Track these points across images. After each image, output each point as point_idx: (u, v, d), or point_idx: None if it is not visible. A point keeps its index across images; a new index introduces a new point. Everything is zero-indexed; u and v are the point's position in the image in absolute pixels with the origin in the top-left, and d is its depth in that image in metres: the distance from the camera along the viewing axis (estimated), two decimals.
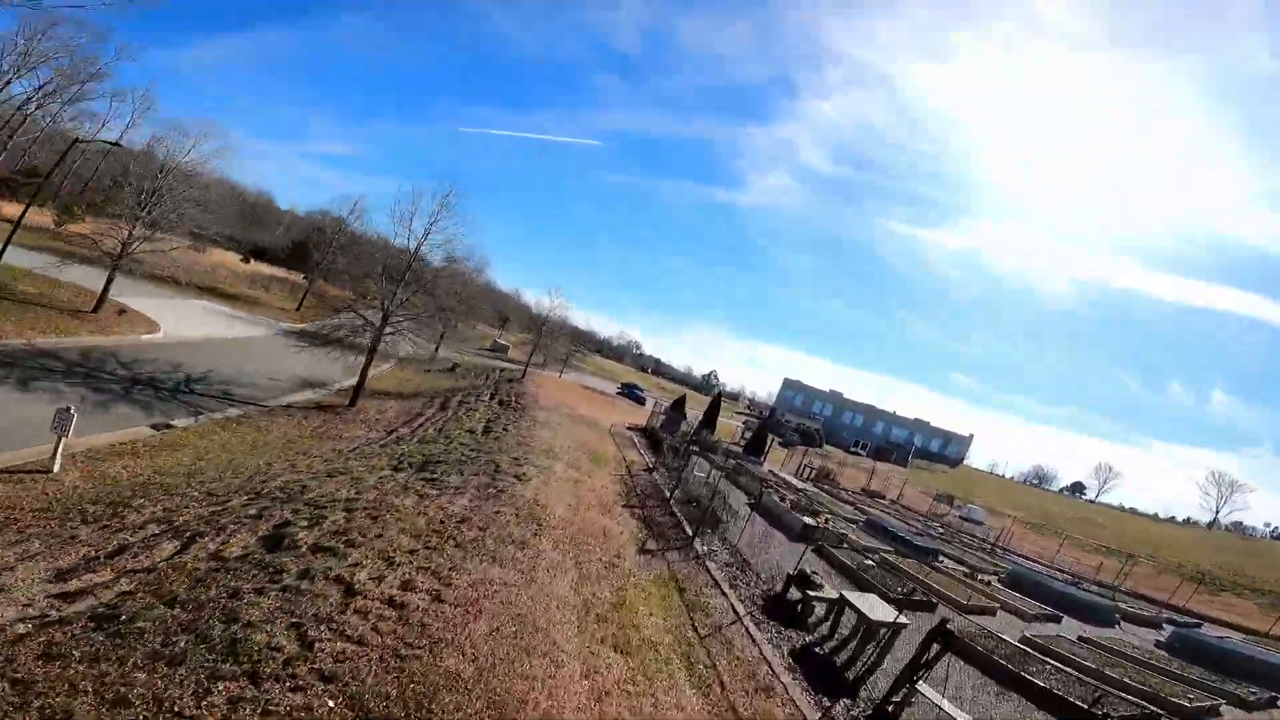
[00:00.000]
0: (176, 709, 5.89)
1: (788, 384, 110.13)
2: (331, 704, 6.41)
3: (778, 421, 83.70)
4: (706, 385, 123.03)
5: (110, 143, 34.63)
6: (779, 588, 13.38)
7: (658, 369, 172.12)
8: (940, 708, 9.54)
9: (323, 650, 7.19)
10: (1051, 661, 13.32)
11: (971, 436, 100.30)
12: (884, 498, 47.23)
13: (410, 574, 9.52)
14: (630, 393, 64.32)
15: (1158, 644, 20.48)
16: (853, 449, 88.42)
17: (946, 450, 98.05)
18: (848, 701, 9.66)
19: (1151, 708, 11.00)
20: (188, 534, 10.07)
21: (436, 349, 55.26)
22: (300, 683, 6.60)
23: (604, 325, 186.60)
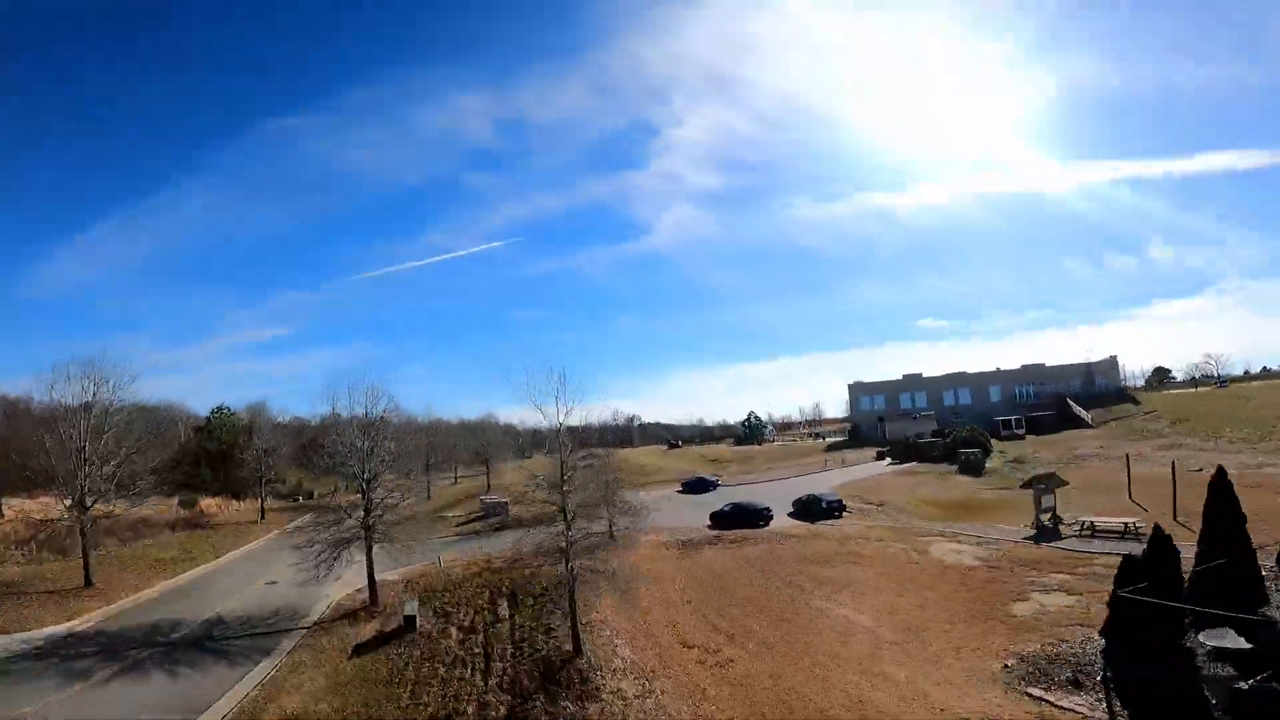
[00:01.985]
0: None
1: (858, 389, 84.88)
2: None
3: (907, 443, 57.79)
4: (753, 432, 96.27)
5: None
6: None
7: (667, 436, 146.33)
8: None
9: None
10: None
11: (1114, 358, 76.54)
12: None
13: None
14: (723, 505, 37.42)
15: None
16: (1005, 431, 62.59)
17: (1097, 386, 73.51)
18: None
19: None
20: None
21: (372, 584, 27.49)
22: None
23: (592, 413, 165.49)
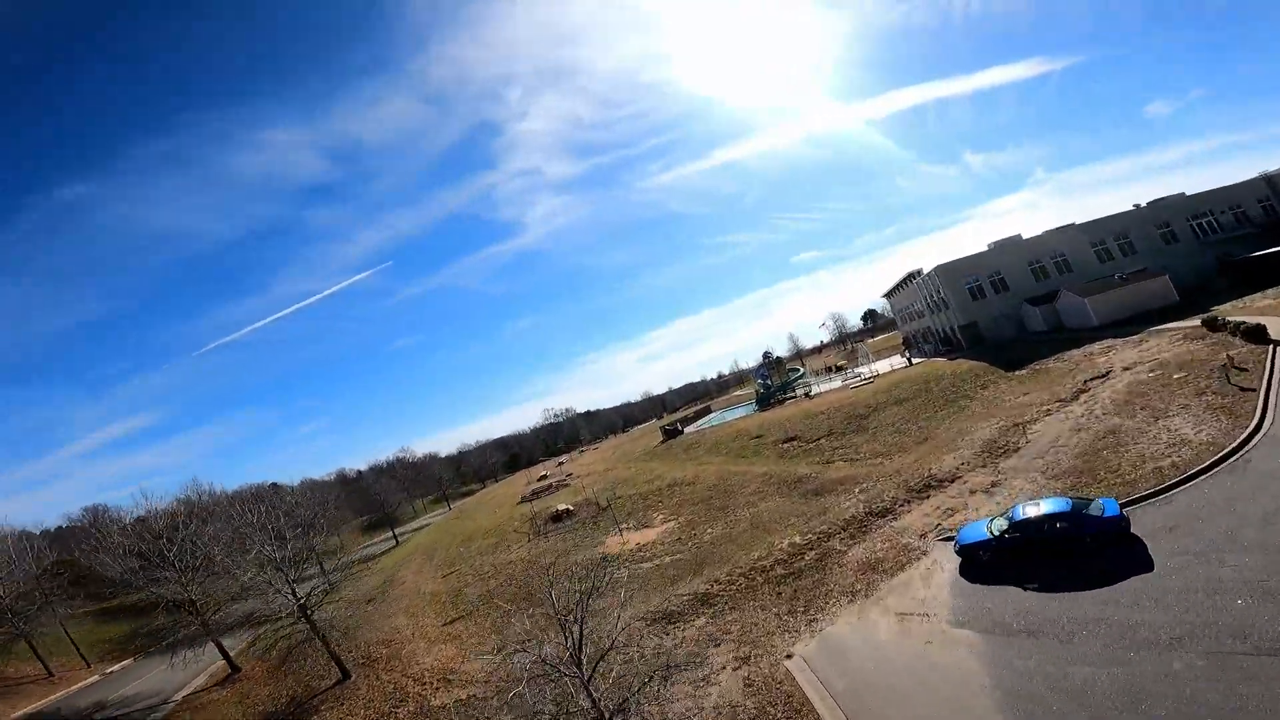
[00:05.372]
0: None
1: (948, 274, 52.08)
2: None
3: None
4: (772, 384, 59.61)
5: None
6: None
7: (619, 422, 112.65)
8: None
9: None
10: None
11: None
12: None
13: None
14: None
15: None
16: None
17: None
18: None
19: None
20: None
21: None
22: None
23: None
